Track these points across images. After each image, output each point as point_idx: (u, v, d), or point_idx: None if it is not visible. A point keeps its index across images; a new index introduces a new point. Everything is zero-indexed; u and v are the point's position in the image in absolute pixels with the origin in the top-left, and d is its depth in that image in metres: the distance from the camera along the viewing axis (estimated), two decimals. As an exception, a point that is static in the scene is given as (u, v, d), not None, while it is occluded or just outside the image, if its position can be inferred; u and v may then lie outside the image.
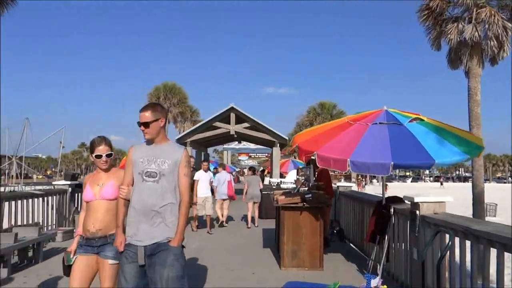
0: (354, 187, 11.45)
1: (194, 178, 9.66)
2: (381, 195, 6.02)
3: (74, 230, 9.46)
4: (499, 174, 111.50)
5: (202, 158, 24.40)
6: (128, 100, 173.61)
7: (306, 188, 9.10)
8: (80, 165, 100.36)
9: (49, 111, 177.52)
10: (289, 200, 6.22)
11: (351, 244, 8.23)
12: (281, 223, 6.39)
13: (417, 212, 4.56)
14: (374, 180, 70.48)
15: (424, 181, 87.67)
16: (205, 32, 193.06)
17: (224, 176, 10.93)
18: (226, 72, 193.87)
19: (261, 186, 12.18)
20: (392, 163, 4.64)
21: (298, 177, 15.26)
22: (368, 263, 5.84)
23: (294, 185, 13.09)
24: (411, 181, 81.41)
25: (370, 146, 5.01)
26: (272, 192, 9.13)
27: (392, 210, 5.47)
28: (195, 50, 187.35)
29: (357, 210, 7.78)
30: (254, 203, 11.56)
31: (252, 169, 13.42)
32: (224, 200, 10.97)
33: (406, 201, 5.04)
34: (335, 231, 8.65)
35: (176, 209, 2.96)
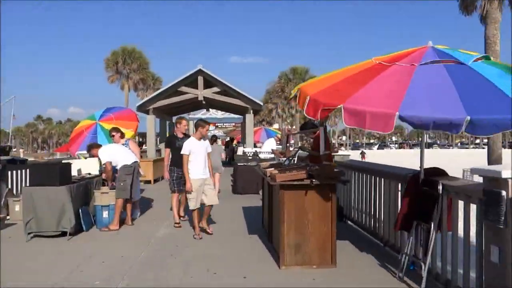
0: (353, 156, 9.90)
1: (182, 152, 6.50)
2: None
3: (8, 218, 7.56)
4: (457, 140, 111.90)
5: (167, 128, 22.09)
6: (85, 68, 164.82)
7: (293, 159, 7.49)
8: (36, 139, 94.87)
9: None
10: (291, 176, 4.53)
11: (354, 225, 6.76)
12: (279, 207, 4.72)
13: (503, 193, 3.00)
14: (342, 148, 70.41)
15: (390, 148, 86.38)
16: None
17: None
18: (189, 44, 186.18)
19: (223, 157, 11.00)
20: (469, 118, 3.01)
21: (287, 145, 13.48)
22: (401, 259, 4.30)
23: (273, 155, 11.49)
24: (378, 148, 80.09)
25: (426, 94, 3.35)
26: (256, 164, 7.44)
27: (440, 187, 3.92)
28: (157, 18, 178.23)
29: (364, 184, 6.26)
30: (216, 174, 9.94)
31: (213, 137, 11.61)
32: None
33: (478, 175, 3.45)
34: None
35: None
